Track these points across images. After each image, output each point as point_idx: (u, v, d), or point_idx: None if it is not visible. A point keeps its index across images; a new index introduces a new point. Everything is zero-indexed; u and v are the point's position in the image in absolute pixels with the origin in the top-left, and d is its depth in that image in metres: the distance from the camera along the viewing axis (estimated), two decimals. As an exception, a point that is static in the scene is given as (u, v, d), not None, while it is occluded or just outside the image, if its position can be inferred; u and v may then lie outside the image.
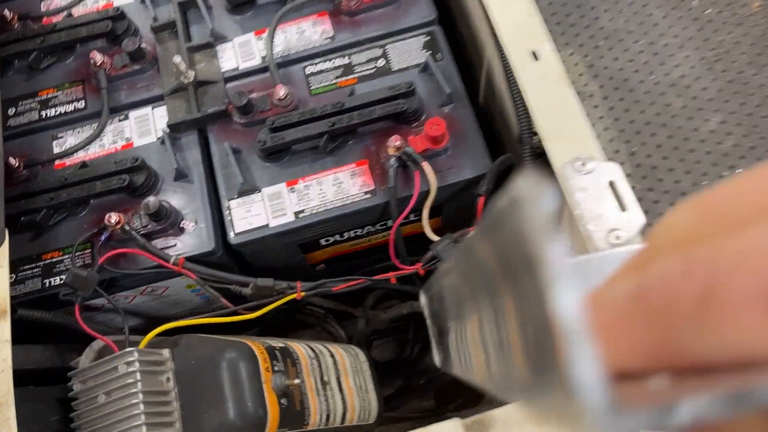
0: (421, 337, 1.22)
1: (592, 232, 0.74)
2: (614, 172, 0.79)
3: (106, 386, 0.78)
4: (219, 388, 0.79)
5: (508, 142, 1.06)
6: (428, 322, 0.50)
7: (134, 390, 0.76)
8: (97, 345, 0.88)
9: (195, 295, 1.09)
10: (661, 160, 1.59)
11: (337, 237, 1.05)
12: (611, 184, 0.78)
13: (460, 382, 0.40)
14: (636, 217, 0.74)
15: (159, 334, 0.87)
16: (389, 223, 1.05)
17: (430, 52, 1.06)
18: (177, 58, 1.01)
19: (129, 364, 0.78)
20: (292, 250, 1.05)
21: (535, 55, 0.87)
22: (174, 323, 0.87)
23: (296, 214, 0.97)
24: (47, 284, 0.95)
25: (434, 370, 1.27)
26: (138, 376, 0.77)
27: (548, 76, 0.86)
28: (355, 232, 1.05)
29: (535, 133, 0.90)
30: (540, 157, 0.90)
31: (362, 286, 0.97)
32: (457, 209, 1.06)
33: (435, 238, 0.97)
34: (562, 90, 0.84)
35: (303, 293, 0.94)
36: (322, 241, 1.05)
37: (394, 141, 0.95)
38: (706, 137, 1.61)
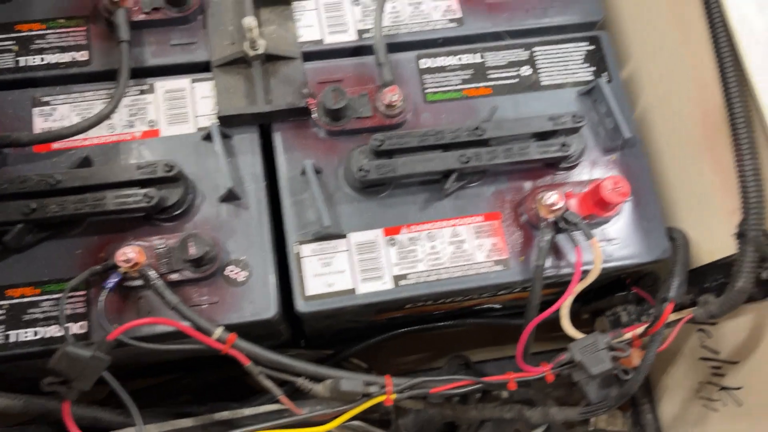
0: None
1: None
2: None
3: None
4: None
5: (686, 213, 0.79)
6: None
7: None
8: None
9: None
10: None
11: (430, 302, 0.77)
12: None
13: None
14: None
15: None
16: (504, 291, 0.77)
17: (594, 68, 0.77)
18: (248, 20, 0.66)
19: None
20: (365, 314, 0.76)
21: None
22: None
23: (396, 279, 0.68)
24: (12, 339, 0.62)
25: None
26: None
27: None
28: (453, 299, 0.77)
29: (766, 234, 0.63)
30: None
31: (471, 389, 0.70)
32: (593, 293, 0.80)
33: (576, 334, 0.70)
34: None
35: (394, 395, 0.66)
36: (408, 305, 0.77)
37: (552, 197, 0.67)
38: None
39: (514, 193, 0.71)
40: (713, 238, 0.75)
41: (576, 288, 0.69)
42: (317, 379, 0.65)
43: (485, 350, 1.08)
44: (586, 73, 0.76)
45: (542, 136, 0.69)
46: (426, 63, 0.75)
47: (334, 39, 0.75)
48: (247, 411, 0.81)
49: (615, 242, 0.70)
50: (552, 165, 0.72)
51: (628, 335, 0.71)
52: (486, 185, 0.71)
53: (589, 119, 0.74)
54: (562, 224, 0.67)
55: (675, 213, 0.82)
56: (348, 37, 0.75)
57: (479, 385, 0.69)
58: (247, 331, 0.68)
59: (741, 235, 0.63)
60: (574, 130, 0.70)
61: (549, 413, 0.75)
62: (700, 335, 0.83)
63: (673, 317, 0.71)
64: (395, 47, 0.75)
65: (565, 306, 0.70)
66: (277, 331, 0.75)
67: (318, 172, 0.70)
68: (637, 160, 0.73)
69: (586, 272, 0.68)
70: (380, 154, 0.67)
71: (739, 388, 0.77)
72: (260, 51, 0.70)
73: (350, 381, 0.63)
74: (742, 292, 0.63)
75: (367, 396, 0.65)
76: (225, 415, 0.77)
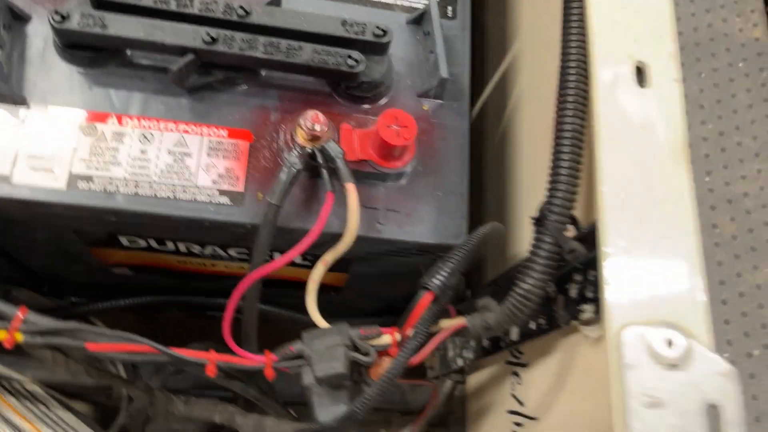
0: None
1: None
2: (724, 382, 0.36)
3: None
4: None
5: (497, 202, 0.62)
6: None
7: None
8: None
9: None
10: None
11: (153, 243, 0.57)
12: (712, 409, 0.35)
13: None
14: None
15: None
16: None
17: (439, -3, 0.59)
18: None
19: None
20: (61, 234, 0.56)
21: (640, 74, 0.43)
22: None
23: (74, 179, 0.48)
24: None
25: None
26: None
27: (656, 130, 0.41)
28: (189, 248, 0.58)
29: (574, 220, 0.45)
30: (561, 270, 0.45)
31: (151, 360, 0.49)
32: (379, 274, 0.61)
33: (321, 322, 0.51)
34: (674, 170, 0.40)
35: (21, 336, 0.45)
36: (124, 240, 0.57)
37: (313, 119, 0.48)
38: None
39: (282, 115, 0.53)
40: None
41: (327, 257, 0.50)
42: None
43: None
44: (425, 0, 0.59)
45: (331, 42, 0.51)
46: (225, -66, 0.57)
47: None
48: None
49: (394, 207, 0.52)
50: (342, 92, 0.53)
51: (387, 337, 0.52)
52: (248, 95, 0.53)
53: (410, 50, 0.56)
54: (318, 157, 0.49)
55: (519, 211, 0.64)
56: None
57: (166, 359, 0.49)
58: None
59: (539, 220, 0.45)
60: (376, 48, 0.52)
61: (262, 424, 0.54)
62: (513, 380, 0.64)
63: (446, 324, 0.52)
64: None
65: (312, 279, 0.51)
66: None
67: (22, 19, 0.51)
68: (458, 117, 0.55)
69: (336, 237, 0.49)
70: (101, 4, 0.49)
71: (533, 454, 0.57)
72: None
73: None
74: (527, 298, 0.44)
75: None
76: None
